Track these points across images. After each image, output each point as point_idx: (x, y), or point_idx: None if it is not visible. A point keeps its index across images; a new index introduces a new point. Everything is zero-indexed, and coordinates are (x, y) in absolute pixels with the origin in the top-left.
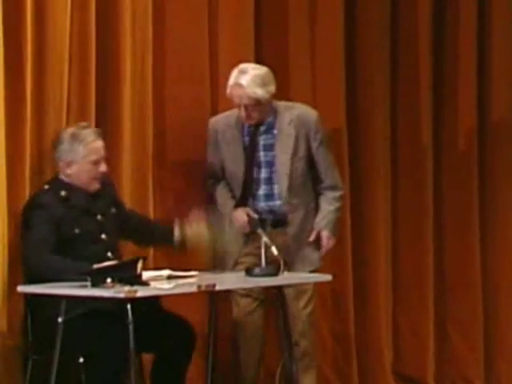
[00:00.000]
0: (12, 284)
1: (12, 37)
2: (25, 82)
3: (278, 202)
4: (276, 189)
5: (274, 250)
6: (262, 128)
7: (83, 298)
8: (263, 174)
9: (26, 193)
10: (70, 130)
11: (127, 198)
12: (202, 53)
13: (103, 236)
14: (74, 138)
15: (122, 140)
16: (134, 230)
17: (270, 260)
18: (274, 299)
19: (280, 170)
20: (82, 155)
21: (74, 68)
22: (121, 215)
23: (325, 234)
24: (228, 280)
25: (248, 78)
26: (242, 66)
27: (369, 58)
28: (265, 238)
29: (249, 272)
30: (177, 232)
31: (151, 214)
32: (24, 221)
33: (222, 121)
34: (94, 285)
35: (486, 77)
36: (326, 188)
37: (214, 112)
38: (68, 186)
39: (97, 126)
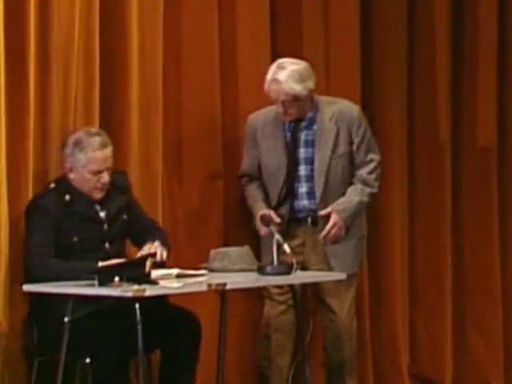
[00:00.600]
0: (15, 284)
1: (14, 29)
2: (28, 77)
3: (317, 201)
4: (314, 187)
5: (287, 247)
6: (303, 124)
7: (90, 298)
8: (303, 171)
9: (29, 191)
10: (77, 134)
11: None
12: (213, 46)
13: (106, 245)
14: (77, 144)
15: (129, 138)
16: (135, 232)
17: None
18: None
19: (318, 168)
20: (81, 164)
21: (79, 62)
22: (131, 218)
23: (334, 216)
24: (239, 279)
25: (285, 74)
26: (281, 60)
27: (385, 49)
28: (277, 236)
29: (260, 270)
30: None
31: (160, 211)
32: (26, 221)
33: (260, 117)
34: (102, 284)
35: (506, 70)
36: (359, 181)
37: (226, 108)
38: (73, 190)
39: (102, 121)
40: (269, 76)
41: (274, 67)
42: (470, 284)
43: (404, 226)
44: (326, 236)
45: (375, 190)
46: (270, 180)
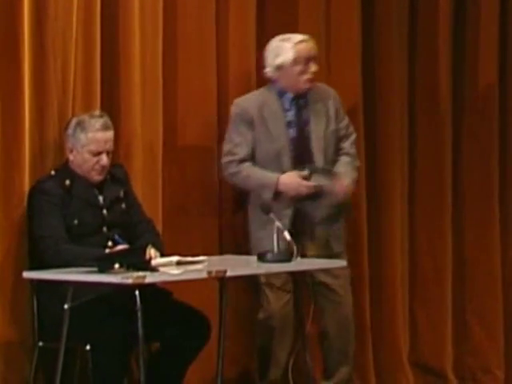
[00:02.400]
0: (16, 271)
1: (7, 12)
2: (22, 61)
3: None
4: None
5: (287, 234)
6: (302, 101)
7: (90, 284)
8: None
9: (26, 177)
10: (81, 116)
11: (138, 188)
12: (211, 35)
13: (104, 229)
14: (79, 124)
15: (130, 126)
16: (130, 224)
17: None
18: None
19: (316, 146)
20: (81, 144)
21: (78, 47)
22: (129, 210)
23: (344, 180)
24: (239, 266)
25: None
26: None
27: (386, 27)
28: (277, 223)
29: (261, 257)
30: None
31: (160, 200)
32: (30, 206)
33: (252, 100)
34: (102, 271)
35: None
36: (344, 154)
37: (223, 95)
38: (73, 175)
39: (103, 107)
40: (288, 43)
41: (285, 37)
42: (470, 272)
43: (404, 214)
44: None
45: (358, 164)
46: (271, 165)
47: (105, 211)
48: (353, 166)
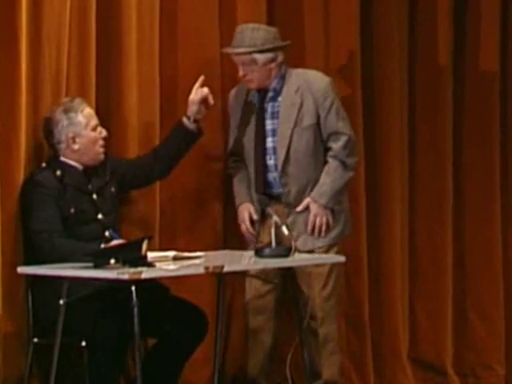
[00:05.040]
0: (10, 265)
1: (4, 1)
2: (19, 50)
3: (275, 174)
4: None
5: (285, 229)
6: (269, 94)
7: (86, 280)
8: (270, 143)
9: (21, 168)
10: (58, 108)
11: None
12: (212, 20)
13: (99, 216)
14: (68, 111)
15: (127, 119)
16: (133, 177)
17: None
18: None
19: (280, 141)
20: (83, 125)
21: (72, 35)
22: (120, 185)
23: (313, 208)
24: (237, 261)
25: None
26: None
27: (386, 14)
28: (275, 218)
29: (258, 253)
30: None
31: (157, 195)
32: (24, 200)
33: (237, 89)
34: (97, 266)
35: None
36: (331, 156)
37: (224, 87)
38: (62, 165)
39: (98, 100)
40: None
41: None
42: (470, 267)
43: (404, 206)
44: (313, 230)
45: (350, 167)
46: (246, 156)
47: (95, 197)
48: (339, 174)
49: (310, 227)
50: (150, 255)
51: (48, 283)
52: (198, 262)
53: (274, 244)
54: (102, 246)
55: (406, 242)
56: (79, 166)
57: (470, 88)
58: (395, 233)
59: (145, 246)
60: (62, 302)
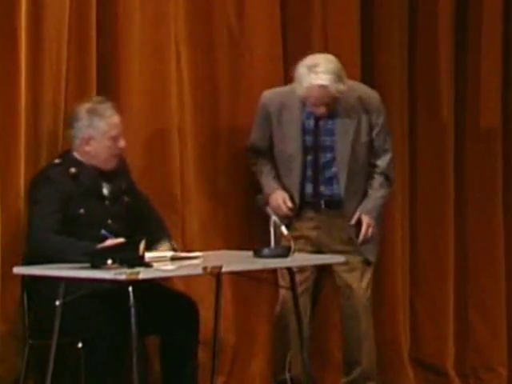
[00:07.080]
0: (7, 266)
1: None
2: (19, 49)
3: (335, 187)
4: (336, 174)
5: (284, 229)
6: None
7: (83, 280)
8: (323, 158)
9: (21, 168)
10: (86, 105)
11: (137, 174)
12: (221, 20)
13: (109, 221)
14: (93, 112)
15: (129, 114)
16: (139, 218)
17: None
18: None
19: (340, 156)
20: (102, 131)
21: (72, 35)
22: (134, 203)
23: (366, 219)
24: (235, 261)
25: (328, 77)
26: (309, 61)
27: (386, 12)
28: (274, 218)
29: (257, 253)
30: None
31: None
32: (31, 195)
33: (276, 98)
34: (94, 266)
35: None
36: (377, 173)
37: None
38: (79, 163)
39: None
40: (305, 82)
41: (305, 70)
42: (472, 267)
43: (405, 205)
44: (364, 239)
45: (392, 183)
46: (282, 163)
47: (107, 202)
48: (385, 190)
49: (361, 237)
50: (148, 255)
51: (43, 283)
52: (196, 262)
53: (272, 244)
54: (99, 246)
55: (407, 245)
56: (96, 167)
57: (470, 88)
58: (397, 236)
59: (142, 246)
60: (58, 302)
